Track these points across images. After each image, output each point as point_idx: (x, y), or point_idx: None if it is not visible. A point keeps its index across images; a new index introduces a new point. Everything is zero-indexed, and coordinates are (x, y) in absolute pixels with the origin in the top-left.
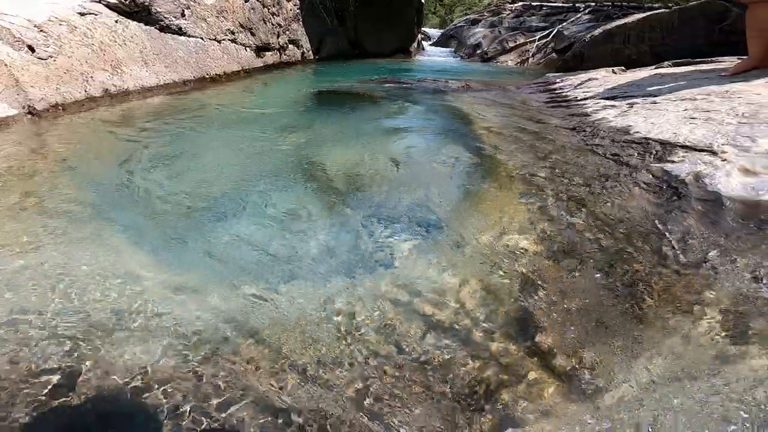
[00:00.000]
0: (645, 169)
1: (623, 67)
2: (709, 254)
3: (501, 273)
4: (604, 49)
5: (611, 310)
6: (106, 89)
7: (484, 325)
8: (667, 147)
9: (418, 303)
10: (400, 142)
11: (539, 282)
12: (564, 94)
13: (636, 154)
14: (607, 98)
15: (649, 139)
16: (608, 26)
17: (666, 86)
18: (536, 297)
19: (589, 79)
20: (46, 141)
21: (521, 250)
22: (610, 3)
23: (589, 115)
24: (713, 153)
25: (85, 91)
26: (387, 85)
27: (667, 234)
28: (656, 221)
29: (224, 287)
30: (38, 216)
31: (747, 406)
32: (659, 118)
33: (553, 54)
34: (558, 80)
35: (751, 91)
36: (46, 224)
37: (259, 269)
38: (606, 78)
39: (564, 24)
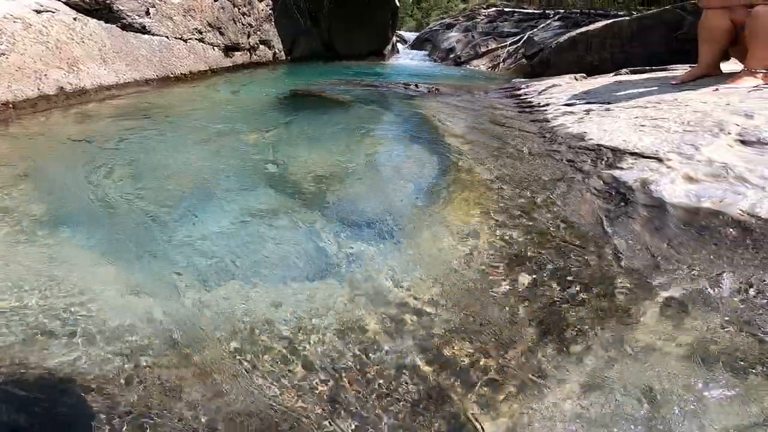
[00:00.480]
0: (596, 176)
1: (585, 74)
2: (651, 259)
3: (453, 277)
4: (569, 55)
5: (551, 311)
6: (61, 87)
7: (437, 329)
8: (618, 154)
9: (371, 307)
10: (364, 148)
11: (491, 280)
12: (528, 99)
13: (589, 161)
14: (567, 104)
15: (602, 145)
16: (573, 33)
17: (620, 93)
18: (484, 300)
19: (553, 86)
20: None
21: (475, 254)
22: (578, 11)
23: (549, 121)
24: (659, 160)
25: (38, 89)
26: (357, 88)
27: (612, 238)
28: (604, 226)
29: (172, 292)
30: None
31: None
32: (611, 125)
33: (523, 60)
34: (523, 86)
35: (698, 99)
36: None
37: (211, 273)
38: (568, 84)
39: (534, 30)
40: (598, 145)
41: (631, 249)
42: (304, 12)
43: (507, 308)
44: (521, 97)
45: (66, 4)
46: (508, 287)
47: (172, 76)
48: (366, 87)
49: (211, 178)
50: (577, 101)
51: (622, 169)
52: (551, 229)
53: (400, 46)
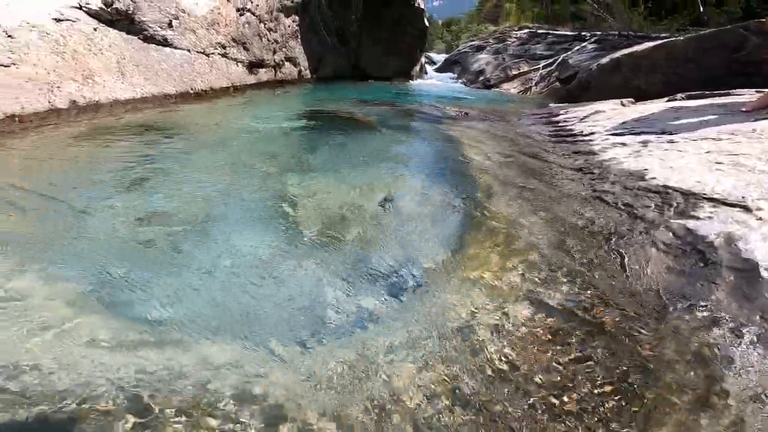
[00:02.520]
0: (664, 226)
1: (632, 99)
2: (741, 339)
3: (474, 361)
4: (612, 78)
5: (612, 412)
6: (74, 101)
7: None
8: (691, 198)
9: (372, 384)
10: (384, 180)
11: (522, 371)
12: (568, 127)
13: (653, 206)
14: (617, 134)
15: (669, 187)
16: (616, 54)
17: (682, 122)
18: (515, 391)
19: (596, 112)
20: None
21: (503, 331)
22: (616, 32)
23: (596, 154)
24: (747, 209)
25: (49, 101)
26: (383, 110)
27: (689, 312)
28: (677, 295)
29: (142, 343)
30: None
31: None
32: (679, 161)
33: (557, 83)
34: (562, 111)
35: None
36: None
37: (205, 322)
38: (614, 111)
39: (569, 53)
40: (665, 186)
41: (714, 324)
42: (331, 30)
43: (540, 409)
44: (560, 125)
45: (87, 13)
46: (542, 378)
47: (191, 91)
48: (392, 109)
49: (218, 210)
50: (629, 130)
51: (698, 218)
52: (604, 297)
53: (428, 67)
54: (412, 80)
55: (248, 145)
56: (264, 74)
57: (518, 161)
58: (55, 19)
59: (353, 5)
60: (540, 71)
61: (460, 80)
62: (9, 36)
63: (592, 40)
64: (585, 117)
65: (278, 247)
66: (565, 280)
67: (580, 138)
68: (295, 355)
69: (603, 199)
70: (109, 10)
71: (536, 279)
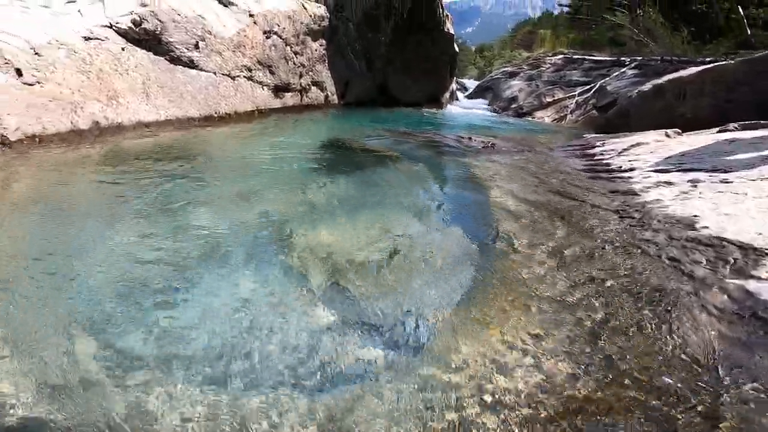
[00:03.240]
0: (718, 287)
1: (678, 130)
2: None
3: None
4: (654, 106)
5: None
6: (96, 122)
7: None
8: (751, 254)
9: None
10: (402, 223)
11: None
12: (605, 161)
13: (705, 262)
14: (661, 170)
15: (724, 239)
16: (659, 80)
17: (738, 157)
18: None
19: (637, 144)
20: (11, 181)
21: (522, 405)
22: (658, 57)
23: (637, 194)
24: None
25: (71, 122)
26: (408, 141)
27: (745, 390)
28: (732, 369)
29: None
30: None
31: None
32: (735, 207)
33: (594, 111)
34: (598, 143)
35: None
36: None
37: (202, 372)
38: (658, 143)
39: (607, 79)
40: (719, 237)
41: None
42: (359, 54)
43: None
44: (596, 158)
45: (117, 32)
46: None
47: (216, 115)
48: (417, 140)
49: (225, 244)
50: (675, 166)
51: (759, 279)
52: (647, 370)
53: (459, 93)
54: (442, 107)
55: (266, 176)
56: (290, 98)
57: (547, 202)
58: (85, 37)
59: (381, 29)
60: (576, 98)
61: (492, 107)
62: (36, 54)
63: (632, 65)
64: (624, 150)
65: (277, 292)
66: (597, 344)
67: (618, 174)
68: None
69: (645, 250)
70: (137, 29)
71: (563, 343)
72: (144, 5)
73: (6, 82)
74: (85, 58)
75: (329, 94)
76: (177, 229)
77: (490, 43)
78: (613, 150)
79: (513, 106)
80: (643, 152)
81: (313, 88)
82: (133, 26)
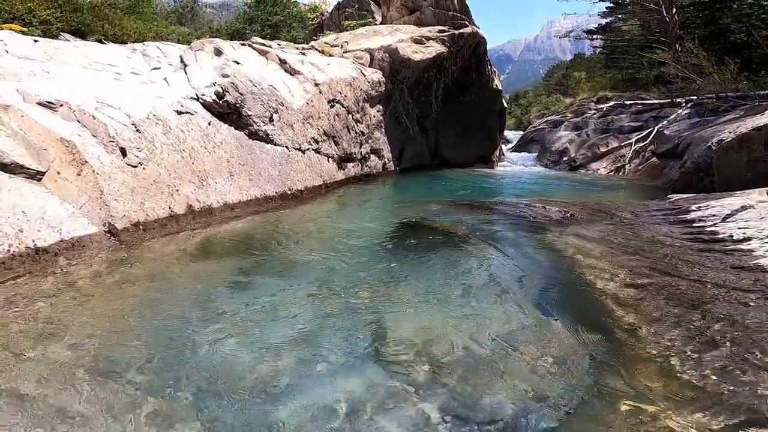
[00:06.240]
0: None
1: None
2: None
3: None
4: (739, 158)
5: None
6: (190, 206)
7: None
8: None
9: None
10: (497, 317)
11: None
12: (709, 229)
13: None
14: None
15: None
16: (743, 128)
17: None
18: None
19: (742, 208)
20: (122, 283)
21: None
22: (713, 95)
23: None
24: None
25: (170, 207)
26: (471, 211)
27: None
28: None
29: None
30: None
31: None
32: None
33: (653, 158)
34: (693, 206)
35: None
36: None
37: None
38: (762, 203)
39: (663, 122)
40: None
41: None
42: (413, 118)
43: None
44: (695, 225)
45: (203, 105)
46: None
47: (289, 192)
48: (480, 211)
49: (309, 350)
50: None
51: None
52: None
53: (503, 147)
54: (493, 166)
55: (340, 263)
56: (352, 169)
57: (658, 284)
58: (177, 111)
59: (433, 91)
60: (633, 146)
61: (541, 162)
62: (138, 130)
63: (688, 105)
64: (729, 215)
65: (382, 387)
66: None
67: (732, 245)
68: None
69: None
70: (221, 102)
71: None
72: (225, 75)
73: (112, 164)
74: (179, 135)
75: (386, 161)
76: (272, 328)
77: (523, 89)
78: (714, 215)
79: (564, 159)
80: (752, 217)
81: (372, 156)
82: (216, 99)
